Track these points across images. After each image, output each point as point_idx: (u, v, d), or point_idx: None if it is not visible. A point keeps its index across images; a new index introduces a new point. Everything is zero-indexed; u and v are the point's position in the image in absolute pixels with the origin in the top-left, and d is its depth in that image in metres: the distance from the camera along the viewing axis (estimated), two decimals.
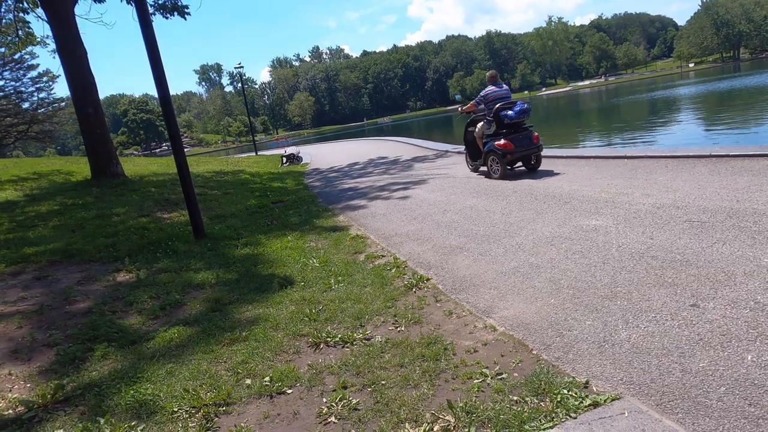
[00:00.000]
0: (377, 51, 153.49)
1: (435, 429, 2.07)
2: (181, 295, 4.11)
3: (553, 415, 2.01)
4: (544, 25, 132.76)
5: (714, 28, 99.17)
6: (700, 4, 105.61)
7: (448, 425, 2.07)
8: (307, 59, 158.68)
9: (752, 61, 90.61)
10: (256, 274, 4.57)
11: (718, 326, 2.43)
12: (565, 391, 2.13)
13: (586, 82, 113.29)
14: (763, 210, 4.01)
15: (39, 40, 14.28)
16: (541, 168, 7.87)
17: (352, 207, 7.63)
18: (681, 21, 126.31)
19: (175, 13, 12.04)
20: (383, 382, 2.47)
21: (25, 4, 13.33)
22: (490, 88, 8.06)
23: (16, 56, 29.08)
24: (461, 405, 2.16)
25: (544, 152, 8.03)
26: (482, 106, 8.12)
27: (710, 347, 2.28)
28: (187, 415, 2.42)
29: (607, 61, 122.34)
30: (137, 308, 3.90)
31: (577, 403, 2.05)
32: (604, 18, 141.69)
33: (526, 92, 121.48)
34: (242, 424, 2.30)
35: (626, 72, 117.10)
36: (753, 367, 2.08)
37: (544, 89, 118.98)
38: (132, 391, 2.63)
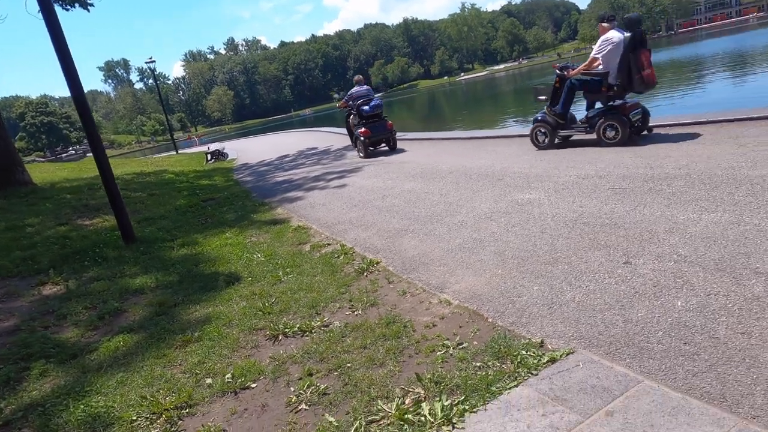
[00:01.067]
0: (295, 41, 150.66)
1: (407, 402, 2.13)
2: (119, 302, 3.88)
3: (516, 374, 2.13)
4: (458, 11, 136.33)
5: (612, 10, 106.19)
6: None
7: (419, 396, 2.14)
8: (223, 52, 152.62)
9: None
10: (198, 273, 4.40)
11: (649, 279, 2.68)
12: (524, 352, 2.27)
13: (502, 66, 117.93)
14: (674, 174, 4.42)
15: None
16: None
17: (289, 199, 7.51)
18: (583, 5, 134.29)
19: (77, 5, 11.11)
20: (349, 365, 2.50)
21: None
22: (355, 89, 10.46)
23: None
24: (429, 377, 2.23)
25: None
26: (351, 102, 10.44)
27: (645, 298, 2.51)
28: (147, 422, 2.32)
29: (519, 45, 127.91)
30: (72, 320, 3.64)
31: (535, 361, 2.19)
32: (513, 4, 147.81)
33: (445, 78, 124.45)
34: (209, 424, 2.24)
35: (537, 55, 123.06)
36: (683, 311, 2.32)
37: (462, 74, 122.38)
38: (82, 406, 2.48)
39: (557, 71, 6.64)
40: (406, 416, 2.00)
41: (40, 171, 15.22)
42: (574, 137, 6.78)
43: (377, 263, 3.88)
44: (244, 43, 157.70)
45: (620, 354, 2.13)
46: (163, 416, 2.34)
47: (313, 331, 2.96)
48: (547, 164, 5.91)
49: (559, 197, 4.48)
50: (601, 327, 2.35)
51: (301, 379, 2.48)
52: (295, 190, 8.20)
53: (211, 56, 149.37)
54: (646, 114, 6.22)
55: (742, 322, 2.16)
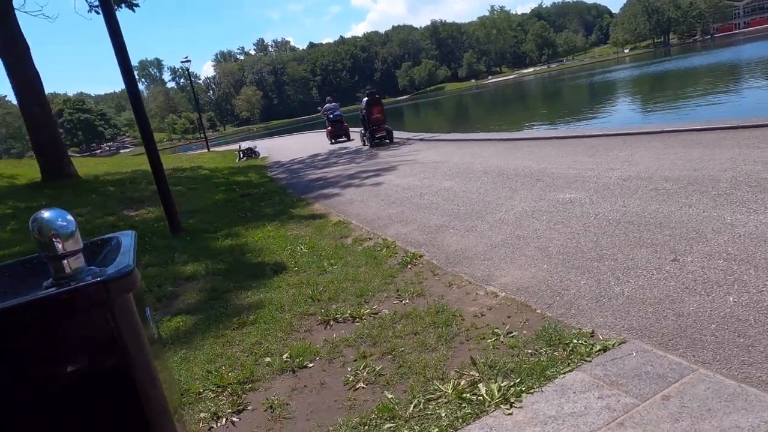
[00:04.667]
0: (324, 42, 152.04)
1: (462, 383, 2.22)
2: (174, 287, 4.08)
3: (569, 361, 2.21)
4: (487, 14, 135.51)
5: (645, 14, 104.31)
6: None
7: (474, 378, 2.23)
8: (252, 52, 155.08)
9: (681, 45, 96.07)
10: (245, 263, 4.58)
11: (699, 276, 2.71)
12: (575, 341, 2.34)
13: (531, 70, 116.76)
14: (719, 176, 4.40)
15: None
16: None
17: (326, 195, 7.68)
18: (615, 8, 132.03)
19: (123, 5, 11.56)
20: (401, 349, 2.60)
21: None
22: (327, 105, 17.44)
23: None
24: (482, 361, 2.32)
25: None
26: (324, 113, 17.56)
27: (696, 293, 2.54)
28: (214, 395, 2.48)
29: (549, 48, 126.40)
30: None
31: (588, 349, 2.26)
32: (543, 6, 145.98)
33: (473, 81, 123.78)
34: (272, 398, 2.38)
35: (567, 58, 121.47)
36: (736, 306, 2.36)
37: (490, 77, 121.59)
38: None
39: None
40: (463, 395, 2.10)
41: (81, 165, 15.81)
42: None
43: (420, 256, 3.99)
44: (273, 44, 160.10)
45: (673, 344, 2.18)
46: (228, 389, 2.49)
47: (363, 317, 3.08)
48: (585, 166, 5.92)
49: (601, 197, 4.51)
50: (652, 319, 2.41)
51: (356, 360, 2.59)
52: (330, 187, 8.37)
53: (241, 57, 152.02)
54: None
55: None
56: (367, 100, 13.12)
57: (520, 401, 2.00)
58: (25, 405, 0.76)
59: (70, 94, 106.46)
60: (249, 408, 2.35)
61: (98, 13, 11.02)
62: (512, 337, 2.52)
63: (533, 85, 62.51)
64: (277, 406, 2.30)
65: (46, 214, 0.91)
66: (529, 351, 2.35)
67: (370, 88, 15.66)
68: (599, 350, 2.24)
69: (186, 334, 3.17)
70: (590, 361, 2.17)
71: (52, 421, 0.77)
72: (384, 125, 13.24)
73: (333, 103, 17.15)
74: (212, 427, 2.25)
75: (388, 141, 13.25)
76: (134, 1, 11.85)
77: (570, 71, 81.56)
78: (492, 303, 2.97)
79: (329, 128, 17.24)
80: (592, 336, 2.39)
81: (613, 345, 2.26)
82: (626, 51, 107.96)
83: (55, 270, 0.89)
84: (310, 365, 2.64)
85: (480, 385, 2.14)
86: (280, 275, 4.10)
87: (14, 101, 10.58)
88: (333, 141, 17.04)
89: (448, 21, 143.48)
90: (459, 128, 21.57)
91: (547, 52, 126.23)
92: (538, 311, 2.76)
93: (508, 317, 2.76)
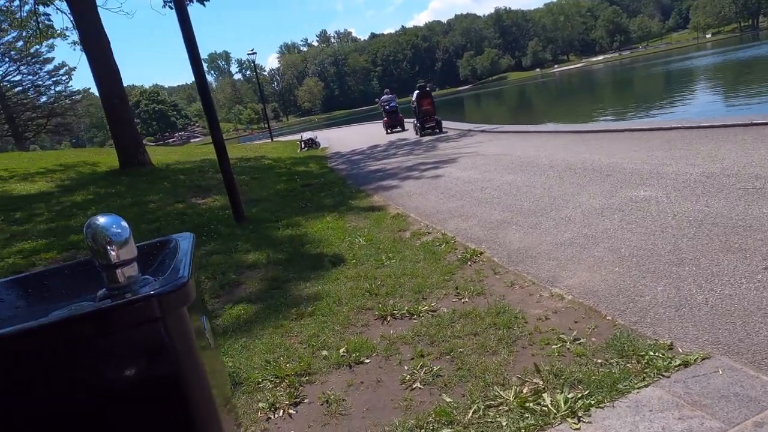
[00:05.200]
0: (385, 33, 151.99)
1: (524, 391, 2.11)
2: (236, 275, 4.19)
3: (644, 375, 2.04)
4: (555, 0, 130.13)
5: None
6: None
7: (537, 387, 2.11)
8: (315, 44, 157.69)
9: None
10: (304, 253, 4.63)
11: None
12: (652, 353, 2.16)
13: (600, 57, 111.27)
14: None
15: (59, 32, 14.34)
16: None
17: (385, 187, 7.66)
18: None
19: (194, 0, 12.02)
20: (460, 350, 2.52)
21: None
22: (384, 97, 18.42)
23: (32, 50, 29.32)
24: (547, 368, 2.20)
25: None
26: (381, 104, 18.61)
27: None
28: (272, 385, 2.50)
29: (621, 34, 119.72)
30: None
31: (666, 363, 2.07)
32: None
33: (537, 70, 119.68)
34: (329, 392, 2.37)
35: (640, 45, 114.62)
36: None
37: (556, 66, 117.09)
38: None
39: None
40: (526, 404, 1.99)
41: (155, 154, 16.70)
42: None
43: (481, 253, 3.86)
44: (335, 35, 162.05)
45: (767, 364, 1.96)
46: (286, 381, 2.51)
47: (421, 314, 3.02)
48: (661, 161, 5.52)
49: (680, 195, 4.18)
50: (741, 334, 2.18)
51: (413, 359, 2.54)
52: (389, 179, 8.34)
53: (305, 48, 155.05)
54: None
55: None
56: (417, 93, 14.48)
57: (589, 415, 1.87)
58: (73, 415, 0.75)
59: (146, 86, 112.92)
60: (306, 401, 2.35)
61: (171, 8, 11.52)
62: (580, 344, 2.37)
63: (603, 73, 59.53)
64: (333, 401, 2.29)
65: (101, 220, 0.88)
66: (599, 361, 2.20)
67: (421, 82, 16.27)
68: (679, 365, 2.06)
69: (246, 323, 3.24)
70: (669, 377, 2.00)
71: None
72: (433, 116, 14.49)
73: (390, 95, 18.37)
74: (270, 418, 2.27)
75: (437, 130, 14.47)
76: None
77: (644, 59, 76.90)
78: (557, 306, 2.82)
79: (385, 119, 18.43)
80: (671, 348, 2.20)
81: (696, 360, 2.06)
82: (708, 36, 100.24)
83: (108, 279, 0.88)
84: (367, 361, 2.62)
85: (544, 395, 2.02)
86: (338, 267, 4.11)
87: (96, 93, 11.28)
88: (389, 131, 18.21)
89: (512, 8, 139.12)
90: (522, 119, 20.93)
91: (619, 39, 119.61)
92: (609, 318, 2.58)
93: (575, 322, 2.60)
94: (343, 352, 2.71)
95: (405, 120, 18.56)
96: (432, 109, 14.52)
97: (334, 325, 3.06)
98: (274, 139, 30.17)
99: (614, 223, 3.87)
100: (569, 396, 1.97)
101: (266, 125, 36.82)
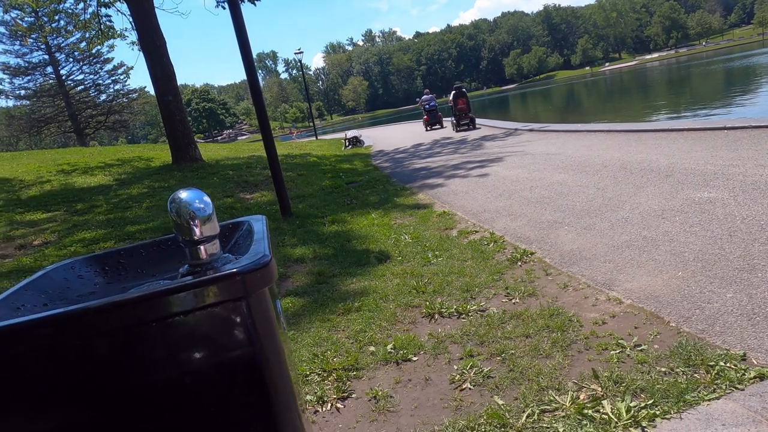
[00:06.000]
0: (430, 32, 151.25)
1: (582, 397, 2.02)
2: (283, 268, 4.24)
3: (714, 386, 1.91)
4: None
5: None
6: None
7: (595, 393, 2.01)
8: (360, 43, 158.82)
9: None
10: (350, 249, 4.64)
11: None
12: (722, 363, 2.02)
13: (655, 55, 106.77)
14: None
15: (119, 33, 14.98)
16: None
17: (430, 185, 7.59)
18: None
19: (245, 0, 12.29)
20: (512, 352, 2.44)
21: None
22: (424, 97, 19.58)
23: (94, 50, 30.91)
24: (606, 374, 2.09)
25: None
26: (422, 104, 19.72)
27: None
28: (320, 378, 2.50)
29: (678, 31, 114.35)
30: None
31: (739, 375, 1.93)
32: None
33: (587, 68, 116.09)
34: (376, 388, 2.34)
35: (699, 42, 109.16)
36: None
37: (607, 64, 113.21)
38: None
39: None
40: (584, 411, 1.90)
41: (205, 150, 17.24)
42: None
43: (531, 254, 3.75)
44: (380, 34, 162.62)
45: None
46: (333, 375, 2.51)
47: (469, 314, 2.95)
48: (726, 161, 5.20)
49: (749, 197, 3.92)
50: None
51: (462, 359, 2.48)
52: (434, 177, 8.26)
53: (350, 48, 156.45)
54: None
55: None
56: (454, 93, 16.08)
57: (654, 426, 1.76)
58: (151, 394, 0.74)
59: (197, 85, 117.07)
60: (353, 396, 2.34)
61: (224, 8, 11.82)
62: (641, 351, 2.25)
63: (657, 72, 57.07)
64: (381, 397, 2.26)
65: (184, 194, 0.86)
66: (663, 369, 2.08)
67: (458, 83, 17.31)
68: (754, 377, 1.91)
69: (294, 316, 3.27)
70: (743, 390, 1.86)
71: (179, 412, 0.76)
72: (468, 114, 16.19)
73: (429, 95, 19.77)
74: (318, 411, 2.27)
75: (471, 127, 16.22)
76: None
77: (703, 56, 73.17)
78: (615, 310, 2.69)
79: (425, 117, 19.86)
80: (744, 359, 2.05)
81: None
82: None
83: (191, 256, 0.87)
84: (414, 359, 2.58)
85: (604, 402, 1.92)
86: (385, 264, 4.09)
87: (151, 92, 11.73)
88: (428, 128, 19.77)
89: (562, 5, 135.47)
90: (572, 119, 20.32)
91: (676, 36, 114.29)
92: (673, 324, 2.44)
93: (635, 328, 2.47)
94: (391, 348, 2.68)
95: (444, 118, 19.93)
96: (466, 108, 16.14)
97: (381, 321, 3.03)
98: (319, 137, 30.58)
99: (676, 226, 3.66)
100: (632, 405, 1.87)
101: (311, 123, 37.34)
